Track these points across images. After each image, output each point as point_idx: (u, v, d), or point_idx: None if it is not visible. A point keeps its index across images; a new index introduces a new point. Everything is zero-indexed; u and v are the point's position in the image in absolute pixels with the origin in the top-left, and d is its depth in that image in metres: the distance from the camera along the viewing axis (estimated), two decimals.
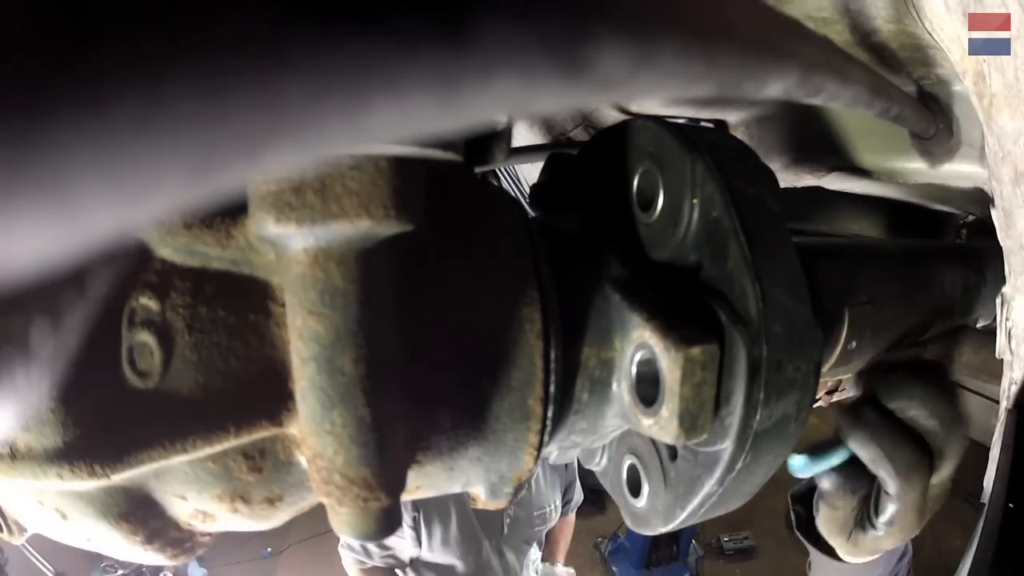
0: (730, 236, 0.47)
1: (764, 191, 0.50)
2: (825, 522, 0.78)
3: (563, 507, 2.66)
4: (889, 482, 0.65)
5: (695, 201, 0.49)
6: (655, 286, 0.51)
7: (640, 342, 0.48)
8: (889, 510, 0.67)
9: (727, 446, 0.47)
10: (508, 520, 2.43)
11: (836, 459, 0.68)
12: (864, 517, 0.71)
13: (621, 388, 0.51)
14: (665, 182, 0.52)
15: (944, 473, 0.67)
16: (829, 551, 0.81)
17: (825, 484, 0.70)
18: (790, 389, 0.47)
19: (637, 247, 0.55)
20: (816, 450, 0.68)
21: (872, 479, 0.68)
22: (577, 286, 0.52)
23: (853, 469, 0.68)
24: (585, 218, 0.58)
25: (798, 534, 0.86)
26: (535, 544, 2.58)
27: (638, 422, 0.49)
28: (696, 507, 0.52)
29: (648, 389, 0.48)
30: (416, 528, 2.32)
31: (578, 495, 2.72)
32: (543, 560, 2.66)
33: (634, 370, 0.49)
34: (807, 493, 0.85)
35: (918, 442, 0.65)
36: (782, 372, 0.47)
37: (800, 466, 0.68)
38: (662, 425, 0.46)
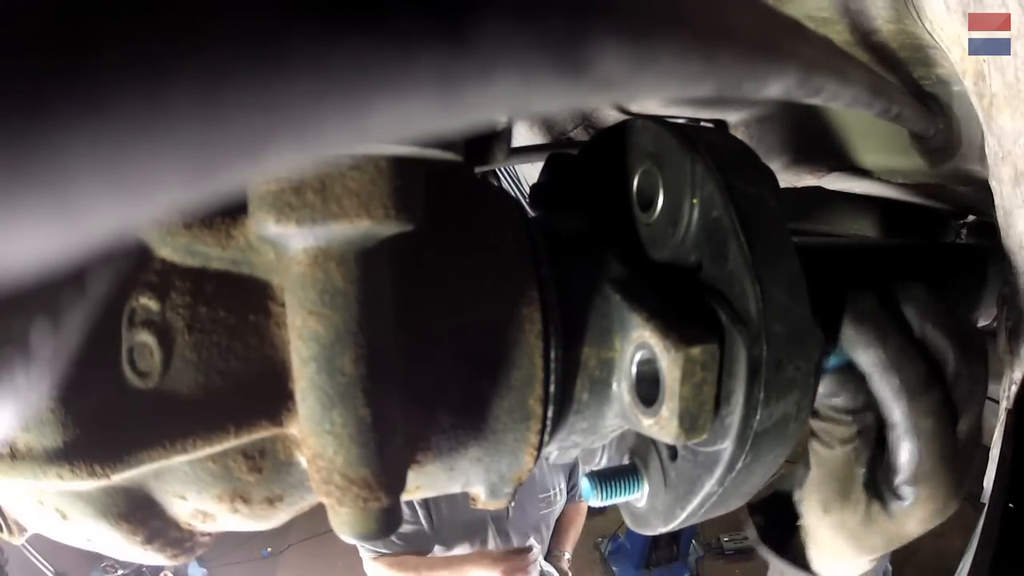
0: (730, 236, 0.47)
1: (764, 191, 0.50)
2: (819, 487, 0.60)
3: (569, 492, 2.66)
4: (895, 402, 0.52)
5: (695, 201, 0.49)
6: (655, 286, 0.51)
7: (640, 342, 0.48)
8: (906, 452, 0.52)
9: (727, 446, 0.47)
10: (512, 504, 2.43)
11: (633, 492, 0.58)
12: (877, 481, 0.56)
13: (621, 388, 0.51)
14: (665, 182, 0.52)
15: (967, 420, 0.54)
16: (805, 565, 0.64)
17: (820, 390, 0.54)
18: (790, 389, 0.47)
19: (637, 247, 0.55)
20: (609, 476, 0.58)
21: (873, 418, 0.55)
22: (577, 286, 0.52)
23: (848, 381, 0.55)
24: (585, 218, 0.58)
25: (763, 550, 0.67)
26: (543, 528, 2.58)
27: (638, 422, 0.49)
28: (696, 507, 0.52)
29: (648, 389, 0.48)
30: (428, 508, 2.35)
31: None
32: (552, 548, 2.65)
33: (634, 370, 0.49)
34: (768, 500, 0.69)
35: (931, 364, 0.53)
36: (782, 372, 0.47)
37: (587, 491, 0.57)
38: (662, 425, 0.46)
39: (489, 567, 2.33)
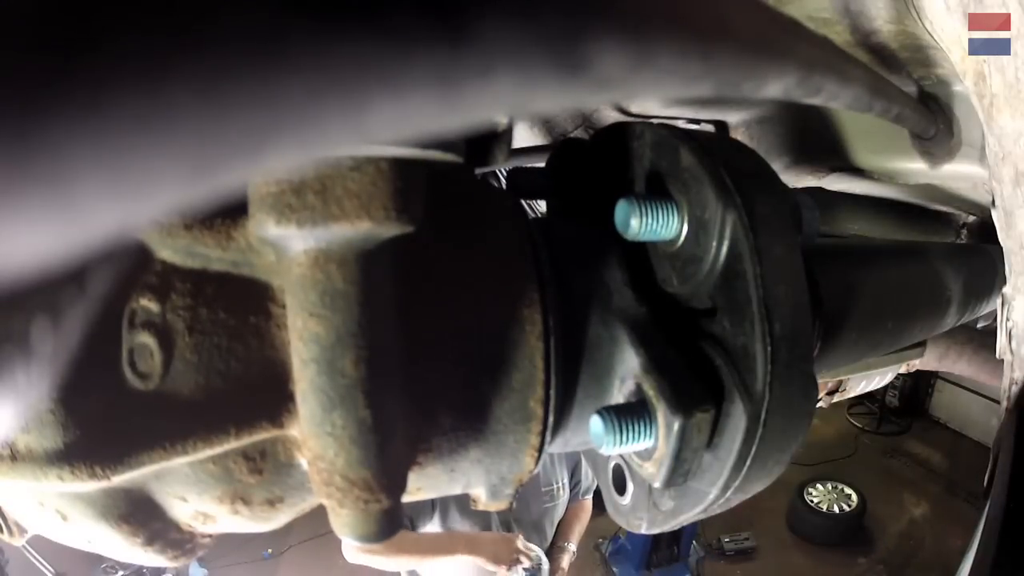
0: (755, 311, 0.46)
1: (790, 239, 0.48)
2: None
3: (572, 488, 2.65)
4: None
5: (723, 248, 0.48)
6: (661, 322, 0.51)
7: (638, 385, 0.48)
8: None
9: (712, 492, 0.49)
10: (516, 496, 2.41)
11: (646, 438, 0.47)
12: None
13: (622, 390, 0.51)
14: (690, 216, 0.50)
15: None
16: None
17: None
18: (783, 442, 0.48)
19: (647, 269, 0.55)
20: (624, 414, 0.47)
21: None
22: (580, 288, 0.52)
23: None
24: (591, 220, 0.58)
25: None
26: (546, 523, 2.57)
27: (630, 457, 0.50)
28: (675, 525, 0.54)
29: (643, 408, 0.48)
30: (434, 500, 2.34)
31: (588, 479, 2.68)
32: (556, 541, 2.63)
33: (631, 384, 0.50)
34: None
35: None
36: (775, 427, 0.47)
37: (598, 433, 0.46)
38: (649, 471, 0.48)
39: (477, 552, 2.32)
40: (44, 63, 0.09)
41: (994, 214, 0.66)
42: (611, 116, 1.08)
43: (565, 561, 2.57)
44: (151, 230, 0.42)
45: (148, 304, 0.42)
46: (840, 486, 5.95)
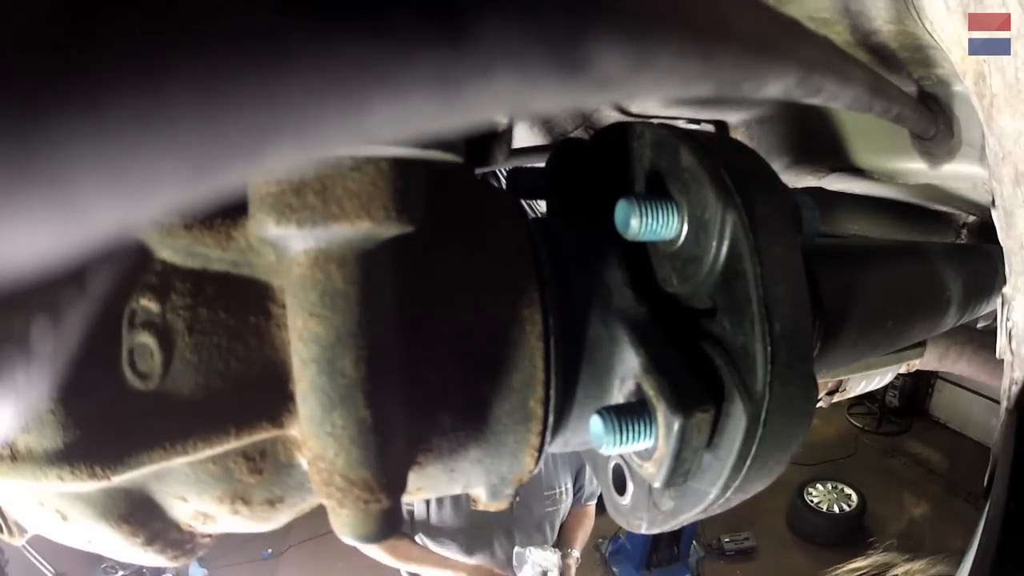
0: (754, 311, 0.46)
1: (790, 239, 0.48)
2: None
3: (575, 494, 2.64)
4: None
5: (723, 248, 0.48)
6: (661, 322, 0.51)
7: (638, 385, 0.48)
8: None
9: (712, 492, 0.49)
10: (516, 499, 2.42)
11: (646, 438, 0.47)
12: None
13: (622, 390, 0.51)
14: (690, 215, 0.50)
15: None
16: None
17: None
18: (783, 442, 0.48)
19: (647, 268, 0.55)
20: (624, 414, 0.47)
21: None
22: (580, 288, 0.52)
23: None
24: (592, 223, 0.58)
25: None
26: (547, 527, 2.57)
27: (629, 457, 0.50)
28: (674, 525, 0.54)
29: (643, 408, 0.48)
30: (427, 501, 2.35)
31: (592, 485, 2.67)
32: (558, 548, 2.63)
33: (631, 384, 0.50)
34: None
35: None
36: (775, 427, 0.47)
37: (598, 432, 0.46)
38: (649, 471, 0.48)
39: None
40: (44, 63, 0.09)
41: (994, 214, 0.66)
42: (611, 116, 1.08)
43: (572, 569, 2.57)
44: (151, 230, 0.42)
45: (148, 304, 0.42)
46: (840, 486, 5.96)
